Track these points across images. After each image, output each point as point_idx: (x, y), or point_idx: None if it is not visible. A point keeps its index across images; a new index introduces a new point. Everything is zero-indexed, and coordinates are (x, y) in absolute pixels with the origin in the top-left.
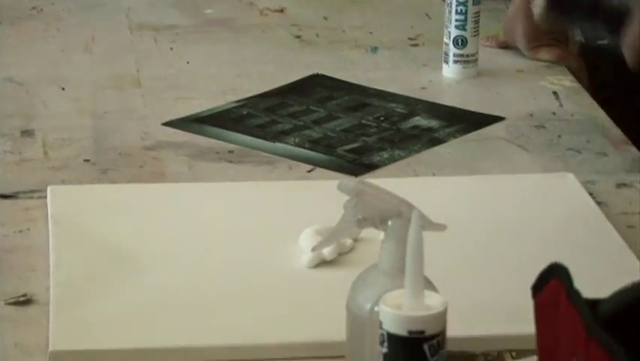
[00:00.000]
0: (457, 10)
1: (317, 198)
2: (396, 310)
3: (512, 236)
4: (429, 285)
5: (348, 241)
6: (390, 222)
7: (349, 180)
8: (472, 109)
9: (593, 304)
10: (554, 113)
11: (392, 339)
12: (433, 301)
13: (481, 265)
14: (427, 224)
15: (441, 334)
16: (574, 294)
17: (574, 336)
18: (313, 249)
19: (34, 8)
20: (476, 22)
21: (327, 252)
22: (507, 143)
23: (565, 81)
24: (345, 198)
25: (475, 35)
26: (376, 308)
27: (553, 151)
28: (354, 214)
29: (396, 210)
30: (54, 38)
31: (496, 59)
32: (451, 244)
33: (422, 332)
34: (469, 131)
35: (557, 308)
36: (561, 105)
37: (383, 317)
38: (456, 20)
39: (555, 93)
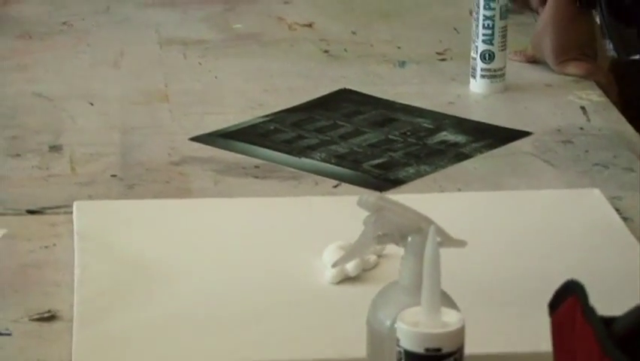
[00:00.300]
0: (484, 25)
1: (342, 213)
2: (413, 328)
3: (537, 252)
4: (448, 301)
5: (372, 257)
6: (409, 239)
7: (369, 196)
8: (500, 124)
9: (609, 321)
10: (582, 128)
11: (409, 356)
12: (450, 318)
13: (504, 281)
14: (446, 240)
15: (458, 351)
16: (589, 311)
17: (589, 354)
18: (333, 265)
19: (64, 23)
20: (503, 36)
21: (350, 268)
22: (534, 158)
23: (593, 96)
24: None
25: (502, 50)
26: (395, 325)
27: (579, 166)
28: (374, 230)
29: (416, 226)
30: (84, 53)
31: (524, 74)
32: (474, 260)
33: (439, 350)
34: (495, 147)
35: (574, 326)
36: (589, 120)
37: (400, 334)
38: (483, 35)
39: (583, 108)
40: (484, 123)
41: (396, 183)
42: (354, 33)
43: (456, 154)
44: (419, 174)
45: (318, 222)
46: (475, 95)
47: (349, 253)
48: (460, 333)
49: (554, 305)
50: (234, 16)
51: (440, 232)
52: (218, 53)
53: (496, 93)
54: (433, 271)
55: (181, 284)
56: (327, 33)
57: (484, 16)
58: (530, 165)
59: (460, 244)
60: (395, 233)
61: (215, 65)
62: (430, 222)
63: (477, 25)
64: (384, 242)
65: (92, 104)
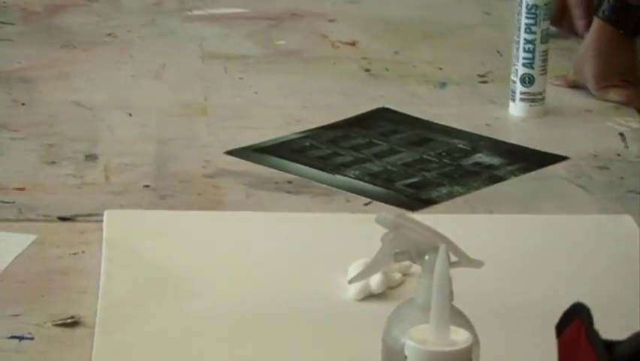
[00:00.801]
0: (524, 48)
1: (370, 231)
2: (420, 345)
3: (564, 276)
4: (461, 320)
5: (397, 275)
6: (427, 257)
7: (388, 214)
8: (536, 148)
9: (611, 345)
10: (619, 155)
11: None
12: (459, 337)
13: (529, 303)
14: (463, 260)
15: None
16: (592, 335)
17: None
18: (350, 281)
19: (109, 35)
20: (544, 60)
21: (374, 285)
22: (568, 183)
23: (633, 123)
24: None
25: (542, 74)
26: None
27: (613, 193)
28: (392, 248)
29: (433, 244)
30: (126, 65)
31: (565, 98)
32: (500, 282)
33: None
34: (530, 170)
35: (578, 348)
36: (627, 147)
37: (408, 351)
38: (523, 58)
39: (621, 134)
40: (519, 146)
41: (427, 202)
42: (396, 53)
43: (490, 176)
44: (451, 195)
45: (346, 239)
46: (513, 118)
47: (366, 270)
48: (467, 352)
49: (561, 327)
50: (278, 33)
51: (457, 251)
52: (259, 68)
53: (534, 117)
54: (442, 288)
55: (205, 296)
56: (369, 52)
57: (524, 39)
58: (564, 190)
59: (477, 264)
60: (412, 251)
61: (256, 80)
62: (448, 241)
63: (517, 49)
64: (401, 260)
65: (130, 115)
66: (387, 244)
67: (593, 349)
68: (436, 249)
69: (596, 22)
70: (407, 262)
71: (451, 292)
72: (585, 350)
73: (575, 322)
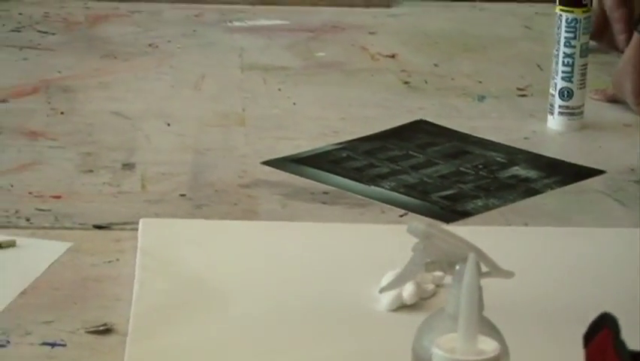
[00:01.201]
0: (563, 62)
1: (405, 242)
2: (448, 354)
3: (598, 288)
4: (490, 330)
5: (430, 286)
6: (457, 267)
7: (419, 224)
8: (573, 161)
9: (638, 355)
10: None
11: None
12: (486, 346)
13: (562, 315)
14: (493, 270)
15: None
16: (619, 345)
17: None
18: (381, 290)
19: (150, 45)
20: (583, 74)
21: (407, 296)
22: (604, 196)
23: None
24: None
25: (581, 88)
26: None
27: None
28: (423, 257)
29: (464, 254)
30: (166, 75)
31: (604, 113)
32: (533, 294)
33: None
34: (567, 184)
35: (605, 358)
36: None
37: (435, 360)
38: (562, 72)
39: None
40: (557, 160)
41: (463, 215)
42: (436, 65)
43: (526, 189)
44: (487, 207)
45: (380, 249)
46: (551, 132)
47: (397, 280)
48: None
49: (589, 337)
50: (318, 45)
51: (488, 261)
52: (298, 79)
53: (573, 131)
54: (471, 297)
55: (238, 305)
56: (409, 64)
57: (564, 53)
58: (600, 203)
59: (508, 274)
60: (443, 261)
61: (295, 92)
62: (479, 251)
63: (557, 62)
64: (432, 270)
65: (168, 125)
66: (418, 254)
67: (619, 359)
68: (466, 259)
69: (636, 37)
70: (440, 273)
71: (481, 302)
72: (612, 359)
73: (602, 332)
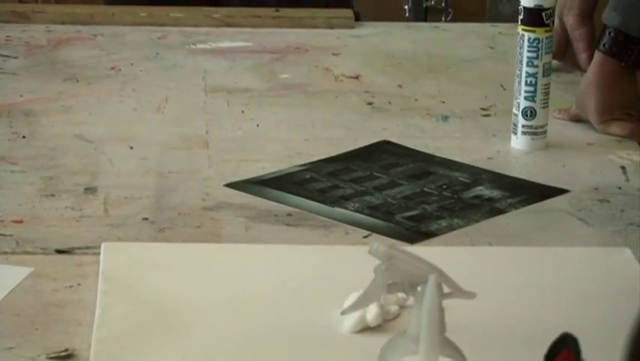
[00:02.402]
0: (526, 82)
1: (368, 263)
2: None
3: (562, 308)
4: (453, 351)
5: (394, 308)
6: (419, 288)
7: (380, 245)
8: (537, 181)
9: None
10: (620, 188)
11: None
12: None
13: (526, 335)
14: (455, 291)
15: None
16: None
17: None
18: (342, 312)
19: (112, 68)
20: (546, 93)
21: (371, 318)
22: (568, 216)
23: (634, 156)
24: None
25: (544, 107)
26: None
27: (614, 226)
28: (385, 279)
29: (426, 276)
30: (128, 98)
31: (567, 132)
32: (497, 314)
33: None
34: (531, 203)
35: None
36: (628, 180)
37: None
38: (525, 92)
39: (623, 168)
40: (520, 179)
41: (427, 235)
42: (400, 86)
43: (490, 209)
44: (451, 228)
45: (344, 271)
46: (515, 152)
47: (359, 301)
48: None
49: (550, 358)
50: (282, 66)
51: (449, 282)
52: (262, 101)
53: (536, 150)
54: (431, 319)
55: (201, 329)
56: (372, 85)
57: (526, 73)
58: (564, 223)
59: (470, 295)
60: (405, 282)
61: (258, 114)
62: (441, 272)
63: (519, 82)
64: (394, 291)
65: (131, 148)
66: (380, 275)
67: None
68: (428, 280)
69: (597, 55)
70: (403, 295)
71: (443, 323)
72: None
73: (563, 352)
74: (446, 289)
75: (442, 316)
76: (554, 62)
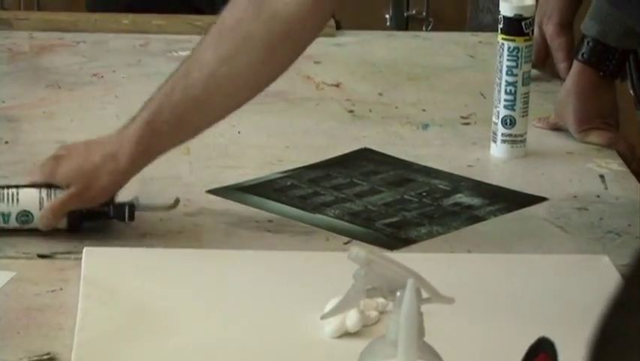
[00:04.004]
0: (506, 91)
1: (348, 269)
2: None
3: (538, 315)
4: (432, 356)
5: (374, 313)
6: (398, 293)
7: (360, 250)
8: (517, 189)
9: None
10: (598, 196)
11: None
12: None
13: (503, 341)
14: (434, 296)
15: None
16: None
17: None
18: (322, 316)
19: (95, 75)
20: (525, 102)
21: (350, 323)
22: (547, 223)
23: (613, 165)
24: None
25: (523, 116)
26: None
27: (592, 234)
28: (364, 284)
29: (404, 281)
30: (110, 104)
31: (546, 141)
32: (475, 320)
33: None
34: (510, 211)
35: None
36: (606, 188)
37: None
38: (505, 100)
39: (602, 176)
40: (500, 187)
41: (407, 242)
42: (380, 94)
43: (470, 216)
44: (431, 235)
45: (324, 277)
46: (494, 160)
47: (339, 306)
48: None
49: None
50: None
51: (428, 287)
52: (243, 108)
53: (516, 158)
54: (409, 323)
55: (181, 334)
56: (353, 93)
57: (506, 81)
58: (543, 230)
59: (448, 301)
60: (384, 287)
61: (240, 120)
62: (420, 277)
63: (499, 91)
64: (373, 296)
65: None
66: (359, 280)
67: None
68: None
69: (576, 64)
70: (383, 300)
71: (421, 328)
72: None
73: (540, 356)
74: (425, 295)
75: (421, 320)
76: (534, 71)
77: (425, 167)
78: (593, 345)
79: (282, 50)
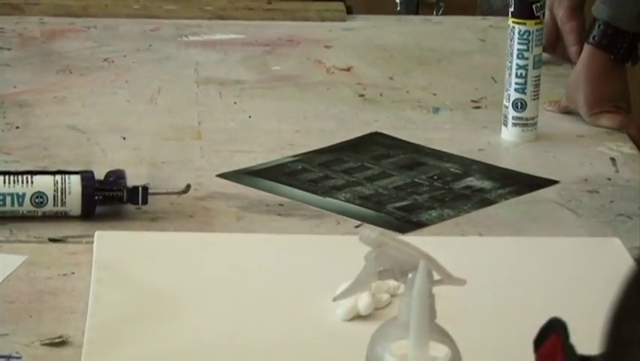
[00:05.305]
0: (517, 74)
1: (360, 253)
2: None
3: (549, 297)
4: (444, 337)
5: (385, 296)
6: (409, 275)
7: (371, 232)
8: (527, 172)
9: (586, 359)
10: (609, 179)
11: None
12: (438, 353)
13: (515, 323)
14: (446, 278)
15: None
16: (567, 348)
17: None
18: (334, 299)
19: (105, 60)
20: (536, 85)
21: (362, 306)
22: (558, 206)
23: (624, 148)
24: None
25: (534, 99)
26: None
27: (603, 216)
28: (375, 266)
29: (416, 263)
30: (121, 89)
31: (557, 124)
32: (487, 302)
33: None
34: (521, 194)
35: None
36: (617, 171)
37: None
38: (516, 84)
39: (613, 159)
40: (511, 170)
41: (418, 225)
42: (391, 78)
43: (481, 200)
44: (442, 218)
45: (335, 260)
46: (505, 143)
47: (350, 288)
48: None
49: (539, 342)
50: (274, 59)
51: (439, 268)
52: (254, 93)
53: (527, 142)
54: (421, 304)
55: (192, 318)
56: (364, 78)
57: (517, 65)
58: (554, 213)
59: (460, 282)
60: (396, 269)
61: (250, 105)
62: (431, 259)
63: (510, 74)
64: (384, 278)
65: (124, 139)
66: (370, 262)
67: None
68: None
69: (587, 48)
70: (395, 283)
71: (433, 309)
72: None
73: (552, 337)
74: (436, 276)
75: (433, 302)
76: (545, 55)
77: (436, 150)
78: (612, 323)
79: None
